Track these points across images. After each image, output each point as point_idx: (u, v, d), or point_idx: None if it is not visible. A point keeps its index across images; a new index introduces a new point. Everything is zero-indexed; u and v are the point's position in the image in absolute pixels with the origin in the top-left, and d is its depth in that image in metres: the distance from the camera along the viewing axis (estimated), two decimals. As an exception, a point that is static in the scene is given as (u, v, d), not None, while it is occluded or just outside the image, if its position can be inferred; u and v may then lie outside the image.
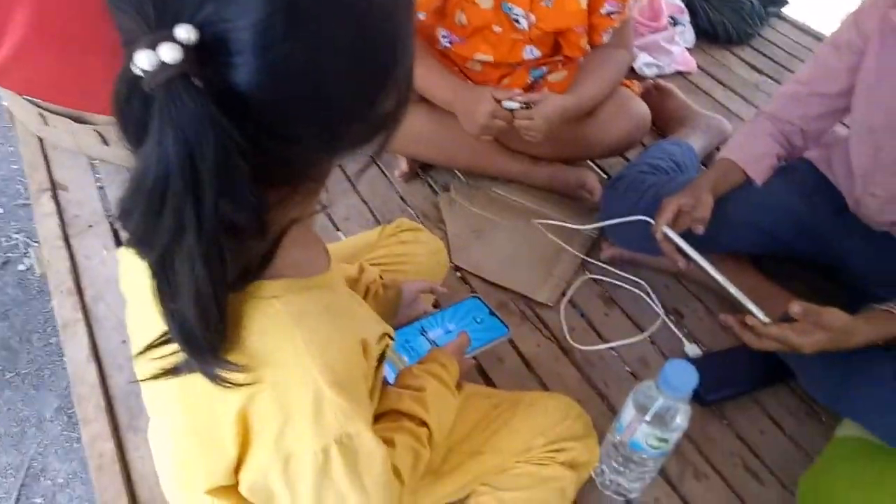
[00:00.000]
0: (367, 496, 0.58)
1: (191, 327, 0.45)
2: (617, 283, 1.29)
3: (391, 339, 0.70)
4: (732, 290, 0.96)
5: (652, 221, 1.09)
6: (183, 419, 0.59)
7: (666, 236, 1.06)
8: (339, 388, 0.51)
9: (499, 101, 1.21)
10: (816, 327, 0.89)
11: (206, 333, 0.45)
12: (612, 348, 1.19)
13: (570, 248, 1.33)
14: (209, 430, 0.54)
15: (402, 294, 0.99)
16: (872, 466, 0.92)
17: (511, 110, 1.22)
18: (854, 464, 0.93)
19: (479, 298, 1.10)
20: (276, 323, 0.50)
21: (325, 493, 0.55)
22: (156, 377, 0.49)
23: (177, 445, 0.63)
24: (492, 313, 1.07)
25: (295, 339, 0.50)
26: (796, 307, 0.89)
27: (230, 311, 0.48)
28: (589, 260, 1.33)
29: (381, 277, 1.01)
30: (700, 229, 1.05)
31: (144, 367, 0.51)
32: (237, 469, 0.56)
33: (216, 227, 0.41)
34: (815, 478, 0.95)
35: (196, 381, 0.53)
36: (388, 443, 0.69)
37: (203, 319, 0.44)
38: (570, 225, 1.34)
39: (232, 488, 0.58)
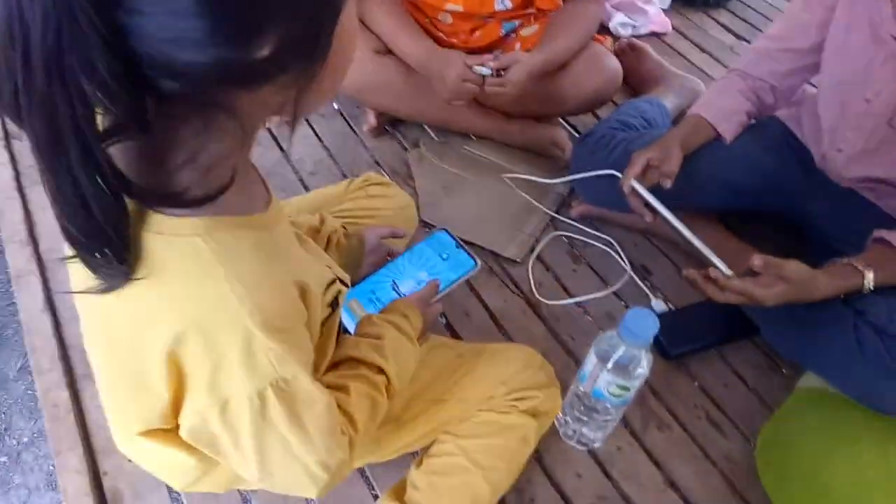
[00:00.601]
0: (311, 440, 0.57)
1: (71, 218, 0.42)
2: (585, 240, 1.29)
3: (345, 285, 0.69)
4: (697, 243, 0.96)
5: (620, 175, 1.08)
6: (110, 361, 0.57)
7: (633, 190, 1.05)
8: (272, 331, 0.49)
9: (470, 67, 1.20)
10: (778, 280, 0.89)
11: (86, 229, 0.42)
12: (578, 303, 1.19)
13: (539, 205, 1.32)
14: (137, 373, 0.52)
15: (365, 241, 0.97)
16: (830, 416, 0.93)
17: (483, 76, 1.20)
18: (812, 414, 0.94)
19: (447, 231, 1.06)
20: (198, 263, 0.48)
21: (266, 437, 0.55)
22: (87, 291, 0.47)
23: (107, 388, 0.61)
24: (458, 245, 1.04)
25: (219, 279, 0.48)
26: (757, 260, 0.89)
27: (144, 246, 0.47)
28: (558, 217, 1.32)
29: (343, 228, 0.99)
30: (668, 184, 1.04)
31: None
32: (176, 413, 0.55)
33: (82, 106, 0.37)
34: (774, 428, 0.96)
35: (120, 322, 0.52)
36: (343, 389, 0.68)
37: (81, 214, 0.41)
38: (538, 179, 1.33)
39: (171, 433, 0.57)
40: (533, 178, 1.33)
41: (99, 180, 0.40)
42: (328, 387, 0.68)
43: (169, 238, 0.47)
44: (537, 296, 1.19)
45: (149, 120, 0.41)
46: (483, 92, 1.23)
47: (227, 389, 0.51)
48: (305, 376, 0.54)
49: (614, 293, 1.21)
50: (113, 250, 0.44)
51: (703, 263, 0.98)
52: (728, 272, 0.92)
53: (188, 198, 0.46)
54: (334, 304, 0.65)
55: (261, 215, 0.53)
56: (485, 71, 1.20)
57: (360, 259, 0.97)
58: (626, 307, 1.19)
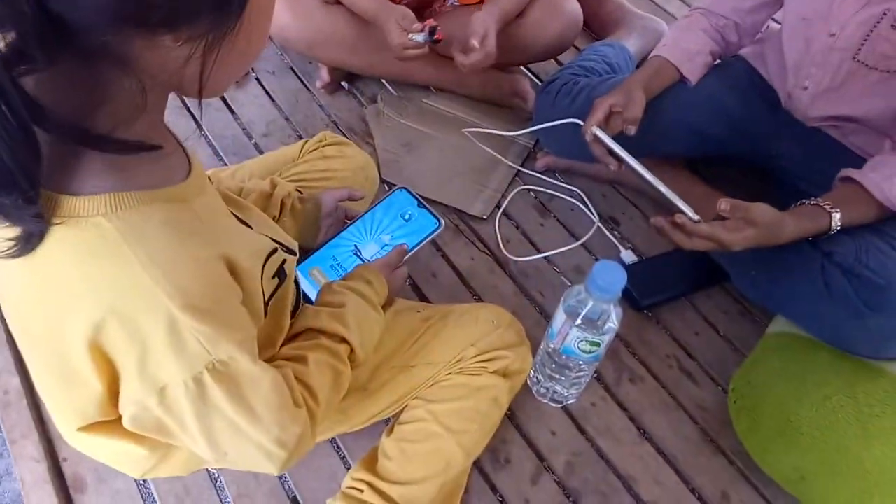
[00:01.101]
0: (260, 420, 0.54)
1: None
2: (552, 192, 1.25)
3: (292, 253, 0.65)
4: (663, 188, 0.93)
5: (582, 123, 1.04)
6: (34, 356, 0.54)
7: (596, 138, 1.01)
8: (197, 313, 0.46)
9: (406, 32, 1.13)
10: (745, 223, 0.87)
11: None
12: (547, 258, 1.16)
13: (503, 159, 1.28)
14: (64, 366, 0.49)
15: (322, 205, 0.92)
16: (799, 360, 0.93)
17: (419, 42, 1.14)
18: (782, 359, 0.94)
19: (407, 190, 1.01)
20: (104, 245, 0.44)
21: (212, 421, 0.52)
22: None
23: (39, 384, 0.57)
24: (421, 205, 0.99)
25: (130, 261, 0.44)
26: (724, 203, 0.87)
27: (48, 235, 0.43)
28: (524, 170, 1.28)
29: (299, 192, 0.94)
30: (632, 130, 1.01)
31: None
32: (115, 403, 0.52)
33: None
34: (745, 375, 0.95)
35: (35, 316, 0.48)
36: (300, 360, 0.65)
37: None
38: (500, 133, 1.28)
39: (114, 423, 0.54)
40: (494, 131, 1.28)
41: (5, 109, 0.37)
42: (285, 359, 0.67)
43: (71, 221, 0.43)
44: (505, 252, 1.16)
45: (53, 51, 0.38)
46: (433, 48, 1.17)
47: (160, 375, 0.49)
48: (244, 356, 0.51)
49: (583, 246, 1.19)
50: (21, 190, 0.40)
51: (671, 211, 0.96)
52: (695, 217, 0.90)
53: (108, 140, 0.43)
54: (281, 275, 0.62)
55: (176, 187, 0.48)
56: (419, 38, 1.13)
57: (318, 223, 0.93)
58: (596, 259, 1.17)
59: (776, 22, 1.15)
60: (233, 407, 0.52)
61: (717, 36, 1.12)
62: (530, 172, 1.28)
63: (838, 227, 0.92)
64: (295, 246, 0.67)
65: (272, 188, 0.88)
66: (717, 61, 1.16)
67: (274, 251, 0.59)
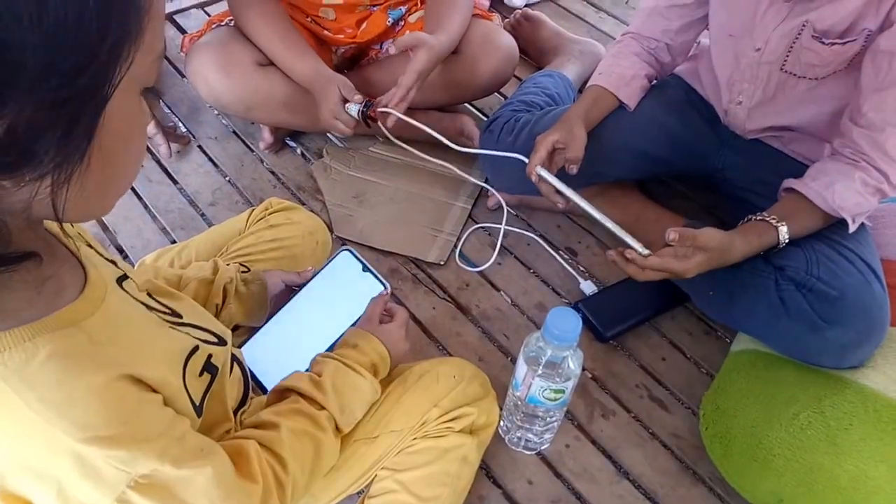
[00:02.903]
0: None
1: None
2: (509, 228, 1.24)
3: (221, 343, 0.63)
4: (610, 225, 0.93)
5: (526, 160, 1.04)
6: None
7: (541, 178, 1.01)
8: (104, 441, 0.44)
9: (345, 102, 1.13)
10: (695, 250, 0.87)
11: None
12: (509, 298, 1.15)
13: (455, 202, 1.28)
14: None
15: (268, 286, 0.90)
16: (765, 377, 0.93)
17: (354, 115, 1.13)
18: (748, 377, 0.94)
19: (351, 252, 0.97)
20: None
21: None
22: None
23: None
24: (365, 269, 0.96)
25: (19, 407, 0.41)
26: (672, 234, 0.87)
27: None
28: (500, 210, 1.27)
29: (246, 269, 0.92)
30: (574, 170, 1.01)
31: None
32: None
33: None
34: (714, 398, 0.95)
35: None
36: (272, 427, 0.65)
37: None
38: (458, 173, 1.27)
39: None
40: (447, 168, 1.28)
41: None
42: (257, 426, 0.65)
43: None
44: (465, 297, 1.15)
45: None
46: (359, 125, 1.16)
47: (84, 500, 0.47)
48: (166, 464, 0.49)
49: (543, 280, 1.18)
50: None
51: (624, 242, 0.96)
52: (644, 251, 0.89)
53: None
54: (210, 369, 0.60)
55: (65, 310, 0.45)
56: (352, 110, 1.13)
57: (266, 304, 0.91)
58: (556, 293, 1.16)
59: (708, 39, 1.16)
60: None
61: (650, 58, 1.13)
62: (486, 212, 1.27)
63: (786, 240, 0.92)
64: (227, 335, 0.65)
65: (213, 274, 0.86)
66: (654, 82, 1.17)
67: (195, 349, 0.57)
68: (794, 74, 0.98)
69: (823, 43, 0.91)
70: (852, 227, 0.93)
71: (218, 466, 0.54)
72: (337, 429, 0.72)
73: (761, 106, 1.05)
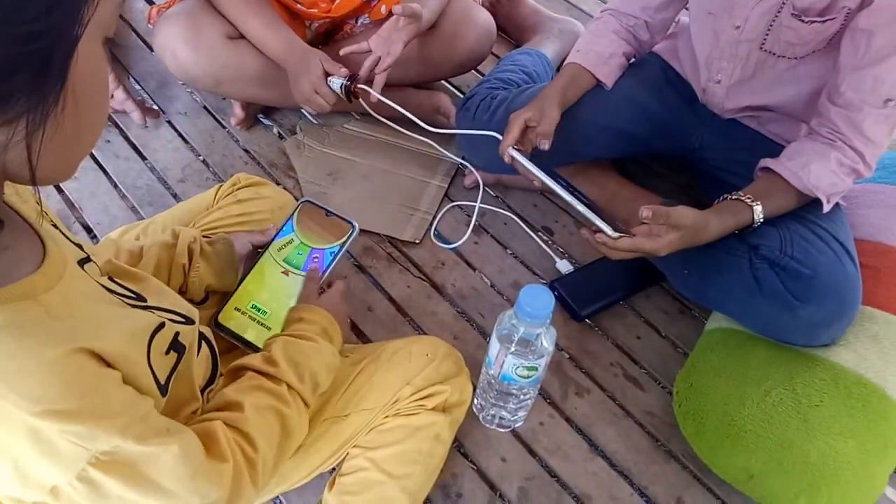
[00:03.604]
0: (174, 495, 0.52)
1: None
2: (485, 206, 1.23)
3: (189, 322, 0.61)
4: (580, 207, 0.92)
5: (500, 137, 1.02)
6: None
7: (513, 158, 1.00)
8: (60, 416, 0.43)
9: (328, 75, 1.10)
10: (668, 228, 0.87)
11: None
12: (484, 277, 1.14)
13: (432, 181, 1.26)
14: None
15: (235, 246, 0.88)
16: (738, 355, 0.93)
17: (337, 89, 1.11)
18: (721, 355, 0.94)
19: (311, 201, 0.96)
20: None
21: None
22: None
23: None
24: (329, 213, 0.95)
25: None
26: (645, 211, 0.86)
27: None
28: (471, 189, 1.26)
29: (206, 237, 0.90)
30: (545, 145, 0.99)
31: None
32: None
33: None
34: (687, 377, 0.95)
35: None
36: (236, 407, 0.64)
37: None
38: (437, 150, 1.26)
39: None
40: (420, 148, 1.26)
41: None
42: (220, 408, 0.65)
43: None
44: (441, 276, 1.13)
45: None
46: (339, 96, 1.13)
47: (44, 480, 0.46)
48: (129, 441, 0.47)
49: (519, 259, 1.17)
50: None
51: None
52: (612, 234, 0.89)
53: None
54: (177, 348, 0.58)
55: (19, 284, 0.44)
56: (335, 85, 1.10)
57: (235, 265, 0.88)
58: (531, 273, 1.16)
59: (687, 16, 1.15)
60: (136, 492, 0.49)
61: (628, 36, 1.12)
62: (461, 190, 1.25)
63: (761, 220, 0.92)
64: (194, 314, 0.64)
65: (175, 238, 0.84)
66: (632, 60, 1.16)
67: (161, 326, 0.55)
68: (774, 53, 0.97)
69: (803, 21, 0.91)
70: (826, 207, 0.93)
71: (184, 444, 0.53)
72: (304, 402, 0.71)
73: (740, 85, 1.04)
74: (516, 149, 0.98)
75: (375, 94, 1.10)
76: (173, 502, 0.52)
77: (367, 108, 1.14)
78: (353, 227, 0.94)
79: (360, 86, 1.10)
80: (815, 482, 0.81)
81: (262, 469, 0.63)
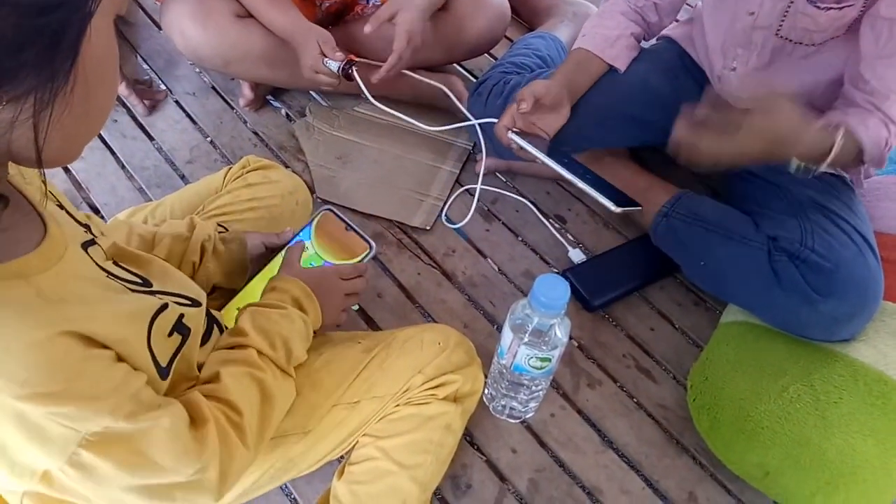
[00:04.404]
0: (168, 469, 0.52)
1: None
2: (498, 191, 1.21)
3: (195, 305, 0.60)
4: (580, 184, 0.92)
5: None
6: None
7: (512, 140, 0.98)
8: (48, 398, 0.42)
9: (323, 56, 1.08)
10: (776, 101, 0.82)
11: None
12: (495, 264, 1.13)
13: (443, 166, 1.24)
14: None
15: (248, 247, 0.86)
16: (754, 351, 0.91)
17: (334, 70, 1.09)
18: (737, 351, 0.92)
19: (333, 211, 0.92)
20: None
21: (110, 492, 0.49)
22: None
23: None
24: (349, 228, 0.91)
25: None
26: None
27: None
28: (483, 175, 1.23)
29: (224, 229, 0.88)
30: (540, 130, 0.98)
31: None
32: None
33: None
34: (702, 370, 0.93)
35: None
36: (213, 379, 0.62)
37: None
38: (441, 136, 1.23)
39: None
40: (433, 134, 1.23)
41: None
42: (198, 383, 0.63)
43: None
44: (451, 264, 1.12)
45: None
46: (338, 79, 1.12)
47: (35, 466, 0.45)
48: (121, 420, 0.47)
49: (531, 248, 1.15)
50: None
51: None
52: (614, 208, 0.90)
53: None
54: (181, 330, 0.57)
55: (12, 263, 0.43)
56: (333, 66, 1.08)
57: (246, 265, 0.87)
58: (543, 262, 1.14)
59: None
60: (129, 472, 0.49)
61: (636, 17, 1.09)
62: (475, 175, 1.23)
63: (837, 151, 0.83)
64: (201, 297, 0.62)
65: (190, 231, 0.82)
66: (642, 42, 1.13)
67: (163, 308, 0.54)
68: (790, 40, 0.94)
69: (819, 7, 0.88)
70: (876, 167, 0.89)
71: (174, 416, 0.53)
72: (282, 370, 0.69)
73: (755, 72, 1.01)
74: (514, 131, 0.96)
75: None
76: (167, 475, 0.52)
77: (365, 93, 1.11)
78: (371, 247, 0.90)
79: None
80: (833, 480, 0.79)
81: (253, 432, 0.62)
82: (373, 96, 1.26)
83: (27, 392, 0.41)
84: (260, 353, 0.67)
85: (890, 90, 0.85)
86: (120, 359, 0.48)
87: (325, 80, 1.10)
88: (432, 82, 1.20)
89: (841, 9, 0.87)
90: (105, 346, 0.47)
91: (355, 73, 1.08)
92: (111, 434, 0.47)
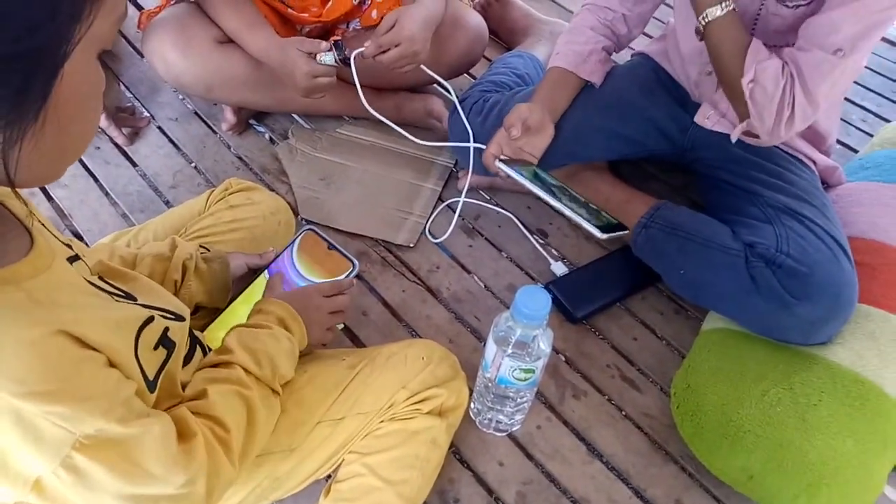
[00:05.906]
0: (157, 478, 0.52)
1: None
2: (481, 203, 1.23)
3: (179, 319, 0.60)
4: (567, 212, 0.94)
5: (484, 147, 1.03)
6: None
7: (499, 168, 1.01)
8: (43, 397, 0.43)
9: (314, 57, 1.09)
10: None
11: None
12: (480, 280, 1.14)
13: (425, 184, 1.25)
14: None
15: (231, 267, 0.87)
16: (735, 355, 0.92)
17: (331, 63, 1.10)
18: (719, 356, 0.93)
19: (315, 231, 0.92)
20: None
21: (101, 500, 0.49)
22: None
23: None
24: (332, 247, 0.91)
25: None
26: None
27: None
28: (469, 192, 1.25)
29: (206, 250, 0.89)
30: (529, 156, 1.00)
31: None
32: None
33: None
34: (685, 376, 0.94)
35: None
36: (200, 396, 0.63)
37: None
38: (423, 154, 1.25)
39: None
40: (413, 152, 1.25)
41: None
42: (184, 400, 0.64)
43: None
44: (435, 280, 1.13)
45: None
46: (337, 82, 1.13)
47: (27, 471, 0.46)
48: (112, 423, 0.47)
49: (514, 262, 1.17)
50: None
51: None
52: (600, 235, 0.92)
53: None
54: (166, 344, 0.58)
55: (6, 269, 0.44)
56: (328, 60, 1.09)
57: (228, 285, 0.87)
58: (527, 275, 1.15)
59: (667, 5, 1.15)
60: (120, 478, 0.49)
61: (606, 31, 1.12)
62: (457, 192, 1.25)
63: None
64: (185, 312, 0.63)
65: (171, 251, 0.82)
66: (613, 55, 1.16)
67: (149, 320, 0.55)
68: (765, 43, 0.97)
69: (788, 7, 0.91)
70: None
71: (164, 426, 0.54)
72: (268, 387, 0.70)
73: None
74: (501, 159, 0.99)
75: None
76: (156, 485, 0.52)
77: (354, 78, 1.12)
78: (354, 265, 0.90)
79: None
80: (815, 482, 0.80)
81: (240, 449, 0.63)
82: (356, 119, 1.28)
83: (25, 390, 0.42)
84: (246, 370, 0.68)
85: (812, 44, 0.87)
86: (112, 365, 0.49)
87: (325, 82, 1.11)
88: (434, 76, 1.22)
89: (808, 5, 0.89)
90: (97, 350, 0.48)
91: (349, 55, 1.09)
92: (104, 438, 0.47)
